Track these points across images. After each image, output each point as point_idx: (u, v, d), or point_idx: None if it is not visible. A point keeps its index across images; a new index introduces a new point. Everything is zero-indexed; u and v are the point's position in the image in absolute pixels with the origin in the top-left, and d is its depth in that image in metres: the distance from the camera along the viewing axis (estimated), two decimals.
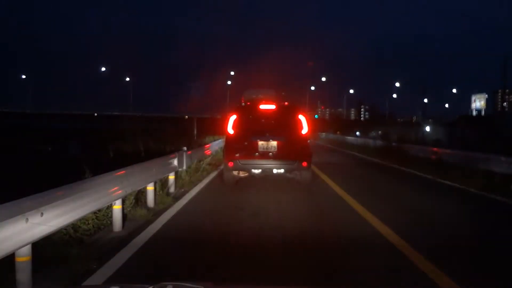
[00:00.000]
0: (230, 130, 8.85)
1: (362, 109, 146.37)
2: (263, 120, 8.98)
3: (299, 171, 8.83)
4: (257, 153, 8.65)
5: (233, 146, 8.79)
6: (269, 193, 8.47)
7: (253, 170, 8.77)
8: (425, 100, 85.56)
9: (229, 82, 56.06)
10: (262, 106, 9.15)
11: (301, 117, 8.93)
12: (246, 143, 8.71)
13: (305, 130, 8.84)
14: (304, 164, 8.62)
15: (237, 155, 8.65)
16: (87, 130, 28.46)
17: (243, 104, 9.66)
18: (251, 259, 4.22)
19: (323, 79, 71.47)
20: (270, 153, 8.63)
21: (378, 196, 8.56)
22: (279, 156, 8.62)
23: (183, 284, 1.85)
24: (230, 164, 8.71)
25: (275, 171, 8.73)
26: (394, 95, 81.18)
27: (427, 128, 45.59)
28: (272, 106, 9.15)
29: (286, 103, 9.66)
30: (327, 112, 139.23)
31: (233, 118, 8.92)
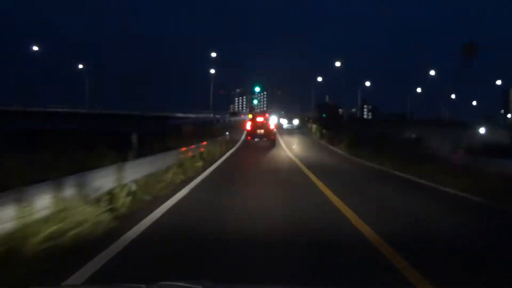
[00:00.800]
0: (248, 127, 24.61)
1: (365, 109, 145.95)
2: (259, 122, 24.26)
3: (270, 141, 24.24)
4: (256, 134, 24.08)
5: (249, 132, 24.47)
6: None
7: (255, 140, 24.25)
8: (453, 96, 63.70)
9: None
10: (258, 117, 24.97)
11: (271, 121, 25.45)
12: (253, 130, 24.13)
13: (272, 126, 25.10)
14: (272, 137, 24.59)
15: (250, 134, 24.39)
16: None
17: (252, 115, 26.23)
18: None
19: (319, 79, 66.64)
20: (261, 134, 24.08)
21: None
22: (264, 135, 24.07)
23: (180, 284, 1.86)
24: (249, 138, 24.66)
25: (262, 140, 24.17)
26: (418, 89, 66.54)
27: (481, 130, 37.53)
28: (262, 118, 24.78)
29: (267, 114, 26.14)
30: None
31: (249, 122, 24.88)
